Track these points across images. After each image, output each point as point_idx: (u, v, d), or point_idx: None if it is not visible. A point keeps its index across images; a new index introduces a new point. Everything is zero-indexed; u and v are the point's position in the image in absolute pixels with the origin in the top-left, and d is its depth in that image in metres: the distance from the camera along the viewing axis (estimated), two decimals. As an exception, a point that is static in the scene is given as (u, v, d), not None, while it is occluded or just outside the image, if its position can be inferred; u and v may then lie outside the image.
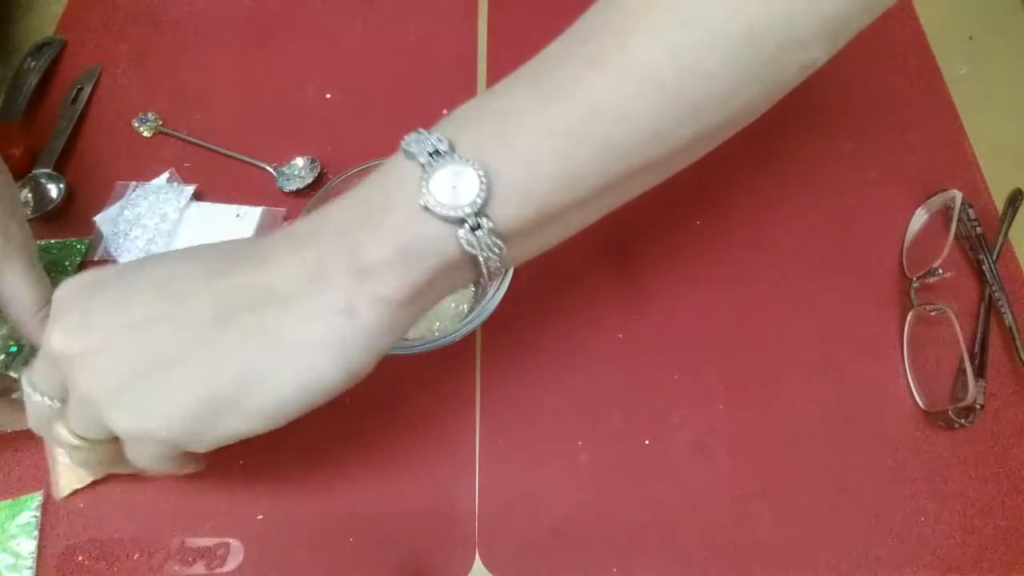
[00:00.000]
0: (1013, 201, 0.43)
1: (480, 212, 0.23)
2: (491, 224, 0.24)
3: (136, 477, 0.37)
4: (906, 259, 0.42)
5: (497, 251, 0.24)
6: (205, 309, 0.25)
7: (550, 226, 0.26)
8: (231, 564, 0.35)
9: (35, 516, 0.35)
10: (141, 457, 0.27)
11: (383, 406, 0.38)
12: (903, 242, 0.43)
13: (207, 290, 0.25)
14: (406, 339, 0.38)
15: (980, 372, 0.38)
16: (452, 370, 0.40)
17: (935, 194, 0.43)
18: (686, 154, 0.28)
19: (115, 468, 0.31)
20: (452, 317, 0.39)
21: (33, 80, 0.50)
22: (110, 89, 0.50)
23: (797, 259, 0.43)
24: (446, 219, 0.23)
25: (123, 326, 0.25)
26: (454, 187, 0.23)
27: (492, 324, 0.40)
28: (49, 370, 0.27)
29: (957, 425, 0.37)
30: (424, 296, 0.25)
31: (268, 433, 0.37)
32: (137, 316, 0.25)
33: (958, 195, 0.41)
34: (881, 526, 0.36)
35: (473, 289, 0.40)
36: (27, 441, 0.37)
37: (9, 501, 0.36)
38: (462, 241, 0.24)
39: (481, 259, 0.24)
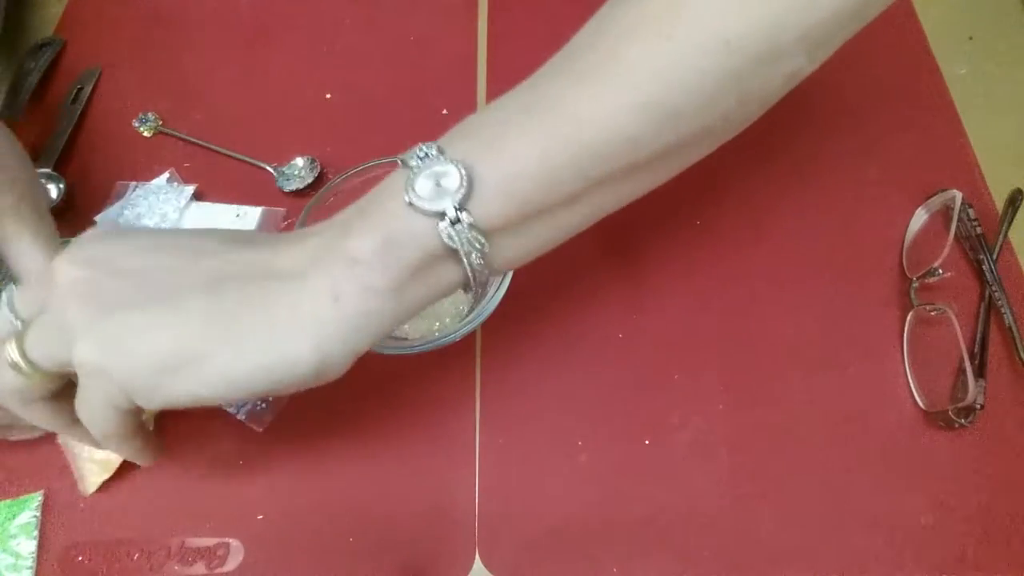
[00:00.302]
0: (1013, 201, 0.43)
1: (460, 207, 0.25)
2: (471, 219, 0.25)
3: (136, 479, 0.37)
4: (906, 259, 0.42)
5: (478, 246, 0.25)
6: (210, 270, 0.26)
7: (534, 226, 0.27)
8: (231, 564, 0.35)
9: (35, 516, 0.35)
10: (89, 403, 0.27)
11: (383, 406, 0.38)
12: (903, 242, 0.43)
13: (219, 257, 0.27)
14: (406, 339, 0.38)
15: (980, 372, 0.38)
16: (452, 370, 0.40)
17: (935, 194, 0.43)
18: (667, 162, 0.29)
19: (45, 420, 0.30)
20: (452, 317, 0.39)
21: (33, 80, 0.50)
22: (110, 89, 0.50)
23: (797, 259, 0.43)
24: (427, 213, 0.25)
25: (128, 268, 0.26)
26: (438, 185, 0.25)
27: (492, 324, 0.40)
28: (35, 291, 0.28)
29: (957, 425, 0.37)
30: (408, 291, 0.26)
31: (268, 432, 0.38)
32: (147, 262, 0.26)
33: (958, 195, 0.41)
34: (881, 526, 0.36)
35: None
36: (27, 442, 0.37)
37: (9, 501, 0.36)
38: (443, 235, 0.25)
39: (462, 254, 0.25)
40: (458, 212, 0.24)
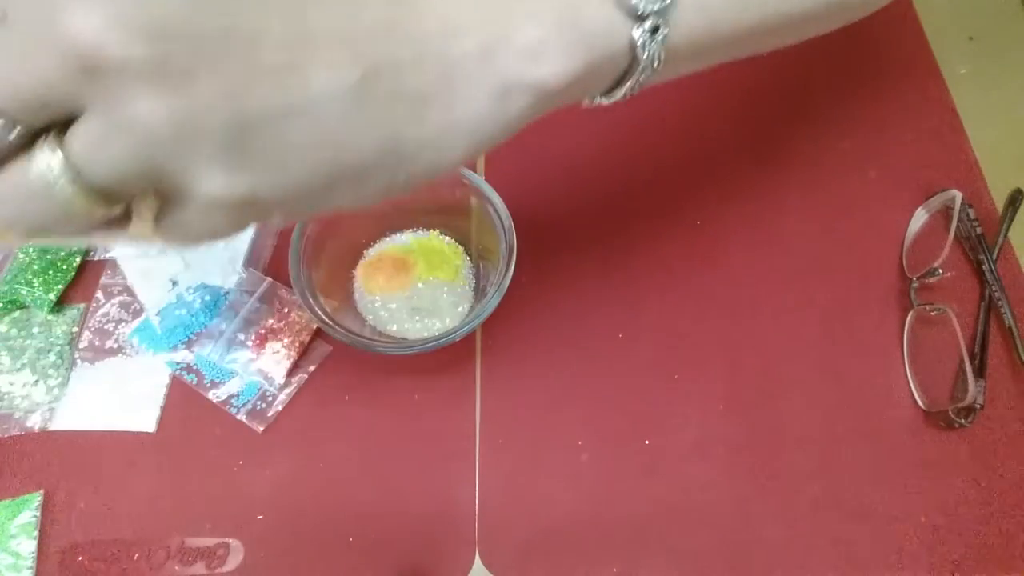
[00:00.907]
0: (1013, 201, 0.43)
1: (665, 11, 0.21)
2: (668, 30, 0.21)
3: (136, 479, 0.37)
4: (906, 259, 0.42)
5: (656, 65, 0.22)
6: (348, 59, 0.19)
7: (700, 54, 0.25)
8: (231, 564, 0.35)
9: (35, 516, 0.35)
10: (208, 225, 0.20)
11: (383, 406, 0.38)
12: (903, 242, 0.43)
13: (342, 25, 0.19)
14: (406, 339, 0.38)
15: (980, 372, 0.38)
16: (452, 370, 0.40)
17: (935, 194, 0.43)
18: (827, 19, 0.28)
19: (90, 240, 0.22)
20: (452, 317, 0.39)
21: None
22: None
23: (797, 259, 0.43)
24: (629, 9, 0.21)
25: (232, 45, 0.17)
26: None
27: (492, 324, 0.40)
28: (49, 72, 0.16)
29: (957, 425, 0.37)
30: (565, 93, 0.22)
31: (268, 432, 0.38)
32: (250, 27, 0.18)
33: (958, 195, 0.41)
34: (881, 526, 0.36)
35: (473, 289, 0.40)
36: (27, 440, 0.37)
37: (9, 501, 0.36)
38: (637, 39, 0.21)
39: (640, 68, 0.22)
40: (660, 19, 0.21)
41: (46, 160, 0.17)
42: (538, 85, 0.21)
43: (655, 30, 0.21)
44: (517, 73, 0.21)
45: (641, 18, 0.21)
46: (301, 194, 0.20)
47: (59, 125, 0.18)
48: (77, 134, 0.17)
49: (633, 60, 0.22)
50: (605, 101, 0.24)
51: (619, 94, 0.23)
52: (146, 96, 0.17)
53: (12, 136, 0.17)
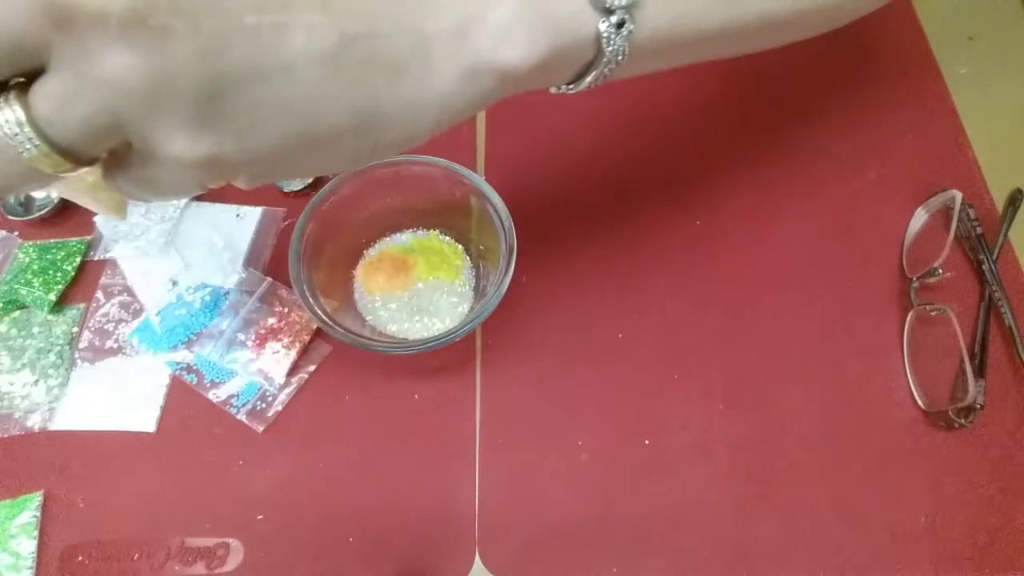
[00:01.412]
0: (1013, 201, 0.43)
1: (632, 8, 0.22)
2: (633, 26, 0.22)
3: (137, 479, 0.37)
4: (906, 259, 0.42)
5: (621, 59, 0.23)
6: (327, 23, 0.19)
7: (664, 52, 0.25)
8: (231, 564, 0.35)
9: (35, 516, 0.35)
10: (171, 187, 0.21)
11: (383, 406, 0.38)
12: (903, 242, 0.43)
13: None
14: (406, 339, 0.38)
15: (980, 372, 0.38)
16: (452, 370, 0.40)
17: (935, 194, 0.43)
18: (802, 24, 0.29)
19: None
20: (452, 317, 0.39)
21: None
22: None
23: (797, 259, 0.43)
24: (596, 2, 0.22)
25: (214, 3, 0.18)
26: None
27: (492, 324, 0.40)
28: (17, 21, 0.16)
29: (957, 425, 0.37)
30: (527, 80, 0.23)
31: (268, 432, 0.38)
32: (235, 5, 0.18)
33: (958, 195, 0.41)
34: (881, 526, 0.36)
35: (473, 289, 0.40)
36: (27, 440, 0.37)
37: (9, 501, 0.36)
38: (603, 32, 0.22)
39: (604, 60, 0.23)
40: (627, 13, 0.22)
41: (6, 117, 0.17)
42: (504, 68, 0.21)
43: (621, 24, 0.22)
44: (486, 53, 0.21)
45: (608, 11, 0.22)
46: (269, 157, 0.20)
47: (21, 82, 0.17)
48: (42, 91, 0.17)
49: (598, 52, 0.23)
50: (570, 91, 0.25)
51: (583, 85, 0.24)
52: (120, 53, 0.16)
53: None
